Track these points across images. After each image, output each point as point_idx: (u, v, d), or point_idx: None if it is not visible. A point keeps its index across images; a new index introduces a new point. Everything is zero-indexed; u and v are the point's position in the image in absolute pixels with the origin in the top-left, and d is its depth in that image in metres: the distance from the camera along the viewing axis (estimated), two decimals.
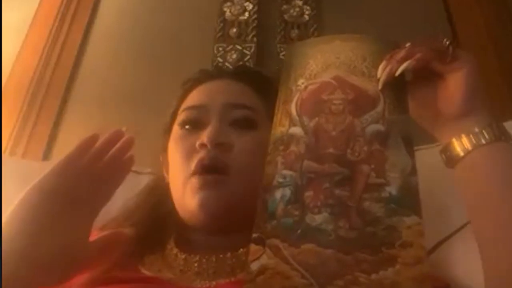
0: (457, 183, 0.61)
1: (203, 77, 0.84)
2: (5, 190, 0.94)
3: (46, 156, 1.26)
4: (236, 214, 0.68)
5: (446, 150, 0.61)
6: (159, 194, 0.79)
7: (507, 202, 0.55)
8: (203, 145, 0.70)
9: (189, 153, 0.72)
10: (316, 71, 0.65)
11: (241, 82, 0.81)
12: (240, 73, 0.86)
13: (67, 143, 1.29)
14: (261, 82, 0.84)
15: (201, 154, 0.70)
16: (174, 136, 0.78)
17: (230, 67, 1.26)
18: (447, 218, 0.79)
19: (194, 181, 0.69)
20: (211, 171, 0.69)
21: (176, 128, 0.78)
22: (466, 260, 0.71)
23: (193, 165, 0.70)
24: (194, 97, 0.80)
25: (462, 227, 0.76)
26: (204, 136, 0.70)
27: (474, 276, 0.62)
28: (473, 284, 0.68)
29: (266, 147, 0.61)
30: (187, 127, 0.76)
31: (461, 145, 0.59)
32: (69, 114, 1.34)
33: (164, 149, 0.81)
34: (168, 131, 0.81)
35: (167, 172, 0.79)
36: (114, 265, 0.66)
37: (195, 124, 0.75)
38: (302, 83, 0.64)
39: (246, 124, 0.75)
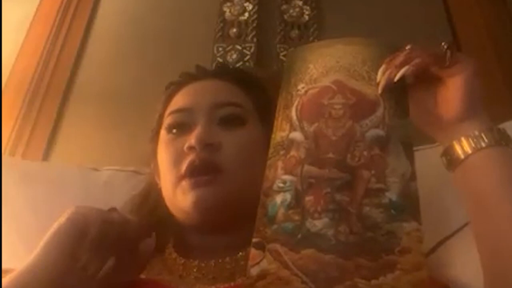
0: (457, 186, 0.61)
1: (186, 79, 0.83)
2: (5, 190, 0.94)
3: (46, 156, 1.26)
4: (230, 211, 0.68)
5: (447, 154, 0.61)
6: (155, 196, 0.79)
7: (507, 205, 0.55)
8: (191, 148, 0.70)
9: (178, 157, 0.71)
10: (316, 75, 0.64)
11: (224, 81, 0.81)
12: (223, 72, 0.86)
13: (67, 143, 1.29)
14: (245, 78, 0.84)
15: (190, 156, 0.69)
16: (162, 141, 0.77)
17: (230, 67, 1.25)
18: (447, 218, 0.79)
19: (185, 183, 0.69)
20: (202, 173, 0.69)
21: (163, 133, 0.77)
22: (466, 260, 0.71)
23: (183, 167, 0.70)
24: (178, 100, 0.79)
25: (462, 227, 0.76)
26: (192, 138, 0.70)
27: (474, 276, 0.62)
28: (473, 284, 0.68)
29: (257, 143, 0.61)
30: (174, 131, 0.75)
31: (461, 148, 0.59)
32: (69, 114, 1.34)
33: (154, 155, 0.80)
34: (155, 136, 0.80)
35: (159, 177, 0.78)
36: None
37: (182, 128, 0.75)
38: (302, 88, 0.64)
39: (233, 121, 0.74)
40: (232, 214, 0.68)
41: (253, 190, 0.56)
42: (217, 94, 0.77)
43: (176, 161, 0.71)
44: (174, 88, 0.82)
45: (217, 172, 0.69)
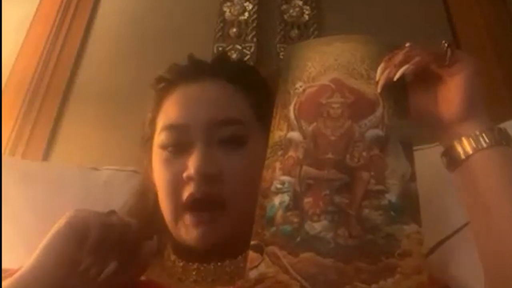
0: (458, 186, 0.61)
1: (178, 77, 0.77)
2: (5, 190, 0.94)
3: (46, 156, 1.26)
4: (234, 240, 0.67)
5: (447, 153, 0.60)
6: (152, 199, 0.77)
7: (507, 205, 0.55)
8: (190, 178, 0.67)
9: (177, 184, 0.69)
10: (314, 73, 0.64)
11: (221, 81, 0.75)
12: (219, 70, 0.78)
13: (67, 143, 1.29)
14: (244, 76, 0.78)
15: (190, 188, 0.67)
16: (157, 158, 0.73)
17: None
18: (447, 218, 0.79)
19: (188, 218, 0.67)
20: (203, 208, 0.67)
21: (158, 150, 0.73)
22: (466, 260, 0.71)
23: (183, 197, 0.68)
24: (171, 110, 0.74)
25: (462, 227, 0.76)
26: (191, 167, 0.67)
27: (474, 276, 0.62)
28: (473, 285, 0.68)
29: (258, 161, 0.59)
30: (169, 149, 0.71)
31: (461, 148, 0.58)
32: (69, 114, 1.34)
33: (148, 158, 0.77)
34: (149, 141, 0.77)
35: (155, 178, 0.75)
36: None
37: (178, 146, 0.70)
38: (300, 86, 0.63)
39: (234, 142, 0.70)
40: (236, 241, 0.66)
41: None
42: (215, 107, 0.72)
43: (175, 188, 0.69)
44: (165, 86, 0.78)
45: (220, 207, 0.67)
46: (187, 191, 0.67)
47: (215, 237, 0.67)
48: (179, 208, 0.68)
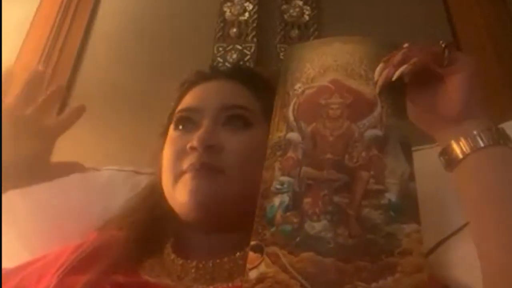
0: (456, 186, 0.61)
1: (199, 78, 0.83)
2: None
3: None
4: (229, 209, 0.68)
5: (445, 153, 0.60)
6: (156, 195, 0.78)
7: (505, 205, 0.55)
8: (193, 148, 0.69)
9: (179, 155, 0.71)
10: (313, 74, 0.64)
11: (235, 82, 0.80)
12: (235, 72, 0.86)
13: (67, 143, 1.29)
14: (256, 80, 0.83)
15: (191, 158, 0.69)
16: (168, 138, 0.77)
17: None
18: (446, 218, 0.78)
19: (187, 176, 0.69)
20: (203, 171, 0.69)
21: (170, 130, 0.77)
22: (465, 260, 0.71)
23: (183, 166, 0.70)
24: (188, 99, 0.79)
25: (462, 227, 0.76)
26: (195, 139, 0.69)
27: (474, 276, 0.62)
28: (473, 284, 0.68)
29: (262, 146, 0.61)
30: (180, 127, 0.76)
31: (459, 148, 0.59)
32: None
33: (160, 150, 0.80)
34: (164, 133, 0.81)
35: (161, 172, 0.78)
36: (113, 268, 0.66)
37: (188, 125, 0.75)
38: (299, 87, 0.63)
39: (239, 122, 0.74)
40: (231, 214, 0.68)
41: (254, 192, 0.56)
42: (225, 96, 0.77)
43: (178, 158, 0.71)
44: (187, 86, 0.83)
45: (219, 174, 0.69)
46: (188, 161, 0.69)
47: (207, 193, 0.67)
48: (179, 175, 0.70)
